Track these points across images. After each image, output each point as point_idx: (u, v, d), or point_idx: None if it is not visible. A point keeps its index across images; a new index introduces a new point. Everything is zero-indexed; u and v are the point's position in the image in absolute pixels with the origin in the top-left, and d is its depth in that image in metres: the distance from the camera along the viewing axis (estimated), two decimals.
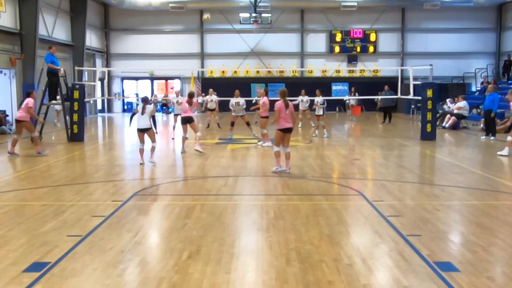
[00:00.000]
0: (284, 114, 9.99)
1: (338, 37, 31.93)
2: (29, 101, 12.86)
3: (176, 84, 33.22)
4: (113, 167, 11.20)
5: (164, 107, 32.05)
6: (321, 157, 12.56)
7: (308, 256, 5.21)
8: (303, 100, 20.20)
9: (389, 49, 32.10)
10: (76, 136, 15.83)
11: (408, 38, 32.27)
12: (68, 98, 16.21)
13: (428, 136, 15.84)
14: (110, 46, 32.52)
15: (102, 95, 29.02)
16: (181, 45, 31.95)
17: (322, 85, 24.87)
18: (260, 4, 28.18)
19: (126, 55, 32.13)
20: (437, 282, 4.55)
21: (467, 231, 6.23)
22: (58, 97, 16.43)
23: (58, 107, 18.76)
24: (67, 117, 16.29)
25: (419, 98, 16.60)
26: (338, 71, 32.49)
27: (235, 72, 32.00)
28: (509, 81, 27.48)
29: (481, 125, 18.66)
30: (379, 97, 24.49)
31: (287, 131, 10.09)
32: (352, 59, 32.14)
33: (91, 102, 28.35)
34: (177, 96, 18.82)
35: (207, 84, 29.09)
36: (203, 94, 26.16)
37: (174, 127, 17.48)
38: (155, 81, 33.50)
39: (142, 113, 11.29)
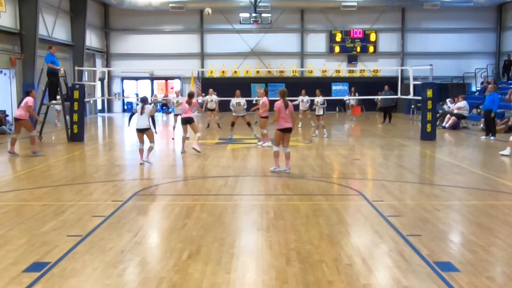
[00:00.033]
0: (283, 114, 9.99)
1: (338, 37, 31.94)
2: (28, 99, 12.85)
3: (176, 84, 33.23)
4: (113, 167, 11.19)
5: (164, 107, 32.05)
6: (321, 157, 12.56)
7: (308, 256, 5.21)
8: (303, 100, 20.20)
9: (389, 49, 32.10)
10: (76, 136, 15.83)
11: (408, 38, 32.27)
12: (68, 98, 16.21)
13: (428, 136, 15.84)
14: (110, 46, 32.52)
15: (102, 95, 29.02)
16: (181, 45, 31.96)
17: (322, 85, 24.87)
18: (260, 4, 28.19)
19: (126, 55, 32.13)
20: (437, 282, 4.55)
21: (467, 231, 6.23)
22: (58, 97, 16.43)
23: (58, 107, 18.77)
24: (67, 117, 16.29)
25: (419, 98, 16.60)
26: (338, 71, 32.50)
27: (235, 72, 32.01)
28: (509, 81, 27.48)
29: (481, 125, 18.66)
30: (379, 97, 24.49)
31: (287, 131, 10.10)
32: (352, 59, 32.15)
33: (91, 102, 28.36)
34: (177, 96, 18.81)
35: (207, 84, 29.09)
36: (203, 94, 26.17)
37: (174, 127, 17.47)
38: (155, 81, 33.51)
39: (141, 113, 11.26)
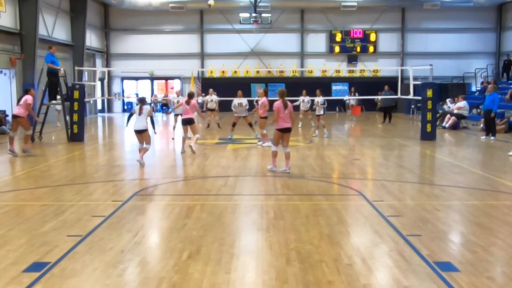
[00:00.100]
0: (282, 114, 10.00)
1: (338, 37, 31.94)
2: (28, 98, 12.85)
3: (176, 84, 33.23)
4: (113, 167, 11.19)
5: (164, 107, 32.06)
6: (321, 157, 12.56)
7: (308, 256, 5.21)
8: (304, 100, 20.20)
9: (389, 49, 32.11)
10: (76, 136, 15.83)
11: (408, 38, 32.28)
12: (68, 98, 16.20)
13: (428, 136, 15.84)
14: (110, 46, 32.53)
15: (102, 95, 29.03)
16: (181, 45, 31.97)
17: (322, 85, 24.88)
18: (260, 4, 28.19)
19: (126, 55, 32.14)
20: (437, 282, 4.55)
21: (467, 231, 6.23)
22: (58, 97, 16.43)
23: (59, 107, 18.78)
24: (67, 117, 16.29)
25: (419, 98, 16.60)
26: (338, 71, 32.51)
27: (235, 72, 32.01)
28: (509, 81, 27.48)
29: (481, 125, 18.66)
30: (379, 97, 24.50)
31: (286, 131, 10.10)
32: (352, 59, 32.15)
33: (91, 102, 28.37)
34: (178, 96, 18.78)
35: (207, 84, 29.09)
36: (203, 94, 26.17)
37: (174, 127, 17.47)
38: (155, 81, 33.52)
39: (140, 113, 11.19)
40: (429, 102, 15.89)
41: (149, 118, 11.36)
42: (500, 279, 4.68)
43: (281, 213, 7.01)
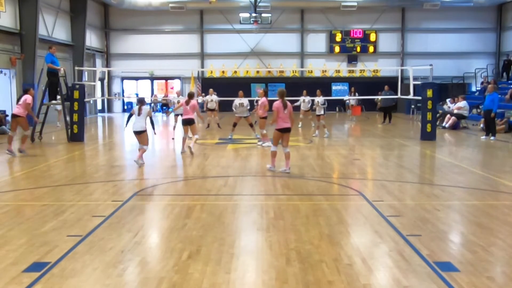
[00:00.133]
0: (282, 114, 10.01)
1: (338, 37, 31.94)
2: (27, 97, 12.84)
3: (176, 84, 33.22)
4: (113, 167, 11.19)
5: (164, 107, 32.06)
6: (321, 157, 12.56)
7: (308, 256, 5.21)
8: (305, 100, 20.19)
9: (389, 49, 32.11)
10: (76, 136, 15.83)
11: (408, 38, 32.28)
12: (68, 98, 16.20)
13: (428, 136, 15.84)
14: (110, 46, 32.53)
15: (102, 95, 29.03)
16: (181, 45, 31.96)
17: (322, 85, 24.90)
18: (260, 4, 28.19)
19: (126, 55, 32.14)
20: (437, 282, 4.55)
21: (467, 231, 6.23)
22: (58, 97, 16.43)
23: (59, 107, 18.78)
24: (67, 117, 16.28)
25: (419, 98, 16.60)
26: (338, 71, 32.51)
27: (235, 72, 32.01)
28: (509, 81, 27.49)
29: (481, 125, 18.66)
30: (379, 97, 24.50)
31: (285, 131, 10.11)
32: (352, 59, 32.15)
33: (91, 102, 28.37)
34: (178, 96, 18.76)
35: (207, 84, 29.08)
36: (203, 94, 26.17)
37: (174, 127, 17.47)
38: (155, 81, 33.52)
39: (139, 114, 11.15)
40: (429, 102, 15.89)
41: (148, 118, 11.33)
42: (500, 279, 4.68)
43: (281, 213, 7.01)
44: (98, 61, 31.29)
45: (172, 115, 22.79)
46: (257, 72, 31.70)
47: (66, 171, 10.75)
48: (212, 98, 19.74)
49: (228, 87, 24.84)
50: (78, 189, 8.68)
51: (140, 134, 11.16)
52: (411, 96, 17.61)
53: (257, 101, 17.46)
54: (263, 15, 28.15)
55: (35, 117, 14.38)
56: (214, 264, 5.00)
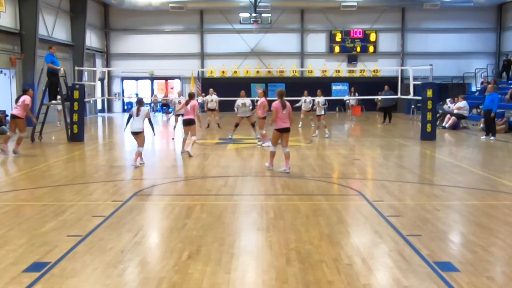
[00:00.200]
0: (281, 114, 10.01)
1: (338, 37, 31.94)
2: (26, 98, 12.82)
3: (176, 84, 33.22)
4: (113, 167, 11.19)
5: (164, 107, 32.06)
6: (321, 157, 12.56)
7: (308, 256, 5.21)
8: (306, 100, 20.17)
9: (389, 49, 32.10)
10: (76, 136, 15.82)
11: (408, 38, 32.28)
12: (68, 98, 16.20)
13: (428, 136, 15.84)
14: (110, 46, 32.52)
15: (102, 95, 29.02)
16: (181, 45, 31.96)
17: (322, 85, 24.89)
18: (260, 4, 28.18)
19: (126, 55, 32.14)
20: (437, 282, 4.55)
21: (467, 231, 6.23)
22: (58, 97, 16.43)
23: (60, 107, 18.79)
24: (67, 117, 16.28)
25: (419, 98, 16.60)
26: (338, 71, 32.50)
27: (235, 72, 32.01)
28: (509, 81, 27.49)
29: (481, 125, 18.66)
30: (379, 97, 24.50)
31: (285, 131, 10.11)
32: (352, 59, 32.15)
33: (91, 102, 28.37)
34: (179, 96, 18.74)
35: (207, 84, 29.08)
36: (203, 94, 26.16)
37: (174, 127, 17.46)
38: (155, 81, 33.52)
39: (137, 114, 11.11)
40: (429, 102, 15.89)
41: (146, 120, 11.22)
42: (500, 279, 4.68)
43: (281, 213, 7.01)
44: (98, 61, 31.29)
45: (172, 116, 22.79)
46: (257, 72, 31.69)
47: (66, 171, 10.75)
48: (212, 98, 19.73)
49: (228, 87, 24.85)
50: (78, 189, 8.68)
51: (137, 135, 11.12)
52: (411, 96, 17.61)
53: (257, 101, 17.45)
54: (263, 15, 28.14)
55: (34, 118, 14.36)
56: (214, 264, 5.00)
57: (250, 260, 5.16)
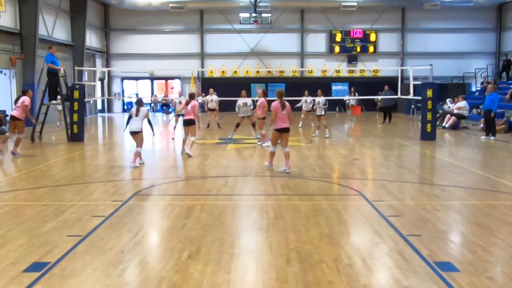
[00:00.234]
0: (280, 114, 10.02)
1: (338, 37, 31.94)
2: (25, 99, 12.81)
3: (176, 84, 33.22)
4: (113, 167, 11.19)
5: (164, 107, 32.06)
6: (321, 157, 12.56)
7: (308, 256, 5.21)
8: (306, 100, 20.17)
9: (389, 49, 32.10)
10: (76, 136, 15.82)
11: (408, 38, 32.28)
12: (68, 98, 16.20)
13: (428, 136, 15.84)
14: (110, 46, 32.52)
15: (102, 95, 29.02)
16: (181, 45, 31.96)
17: (322, 85, 24.87)
18: (260, 4, 28.18)
19: (126, 55, 32.14)
20: (437, 282, 4.55)
21: (467, 231, 6.23)
22: (58, 97, 16.43)
23: (60, 107, 18.78)
24: (67, 117, 16.28)
25: (419, 98, 16.60)
26: (338, 71, 32.51)
27: (235, 72, 32.01)
28: (509, 81, 27.49)
29: (481, 125, 18.66)
30: (379, 97, 24.50)
31: (284, 131, 10.12)
32: (352, 59, 32.15)
33: (91, 102, 28.36)
34: (180, 96, 18.74)
35: (207, 84, 29.09)
36: (203, 94, 26.16)
37: (174, 127, 17.46)
38: (155, 81, 33.51)
39: (136, 114, 11.11)
40: (429, 102, 15.89)
41: (146, 120, 11.19)
42: (500, 279, 4.68)
43: (281, 213, 7.01)
44: (98, 61, 31.29)
45: (173, 117, 22.78)
46: (257, 72, 31.69)
47: (66, 171, 10.75)
48: (212, 98, 19.73)
49: (228, 87, 24.85)
50: (78, 189, 8.68)
51: (135, 135, 11.13)
52: (411, 96, 17.61)
53: (257, 101, 17.45)
54: (263, 15, 28.14)
55: (33, 119, 14.35)
56: (214, 264, 5.00)
57: (250, 260, 5.16)
